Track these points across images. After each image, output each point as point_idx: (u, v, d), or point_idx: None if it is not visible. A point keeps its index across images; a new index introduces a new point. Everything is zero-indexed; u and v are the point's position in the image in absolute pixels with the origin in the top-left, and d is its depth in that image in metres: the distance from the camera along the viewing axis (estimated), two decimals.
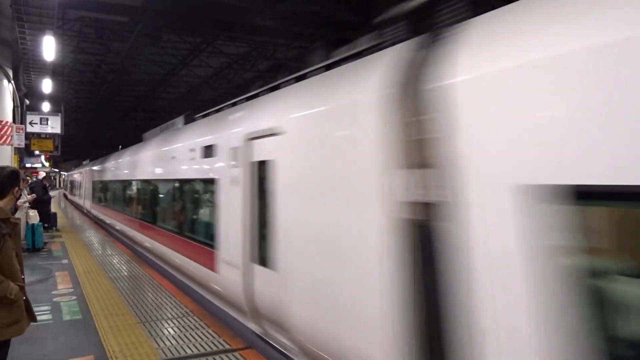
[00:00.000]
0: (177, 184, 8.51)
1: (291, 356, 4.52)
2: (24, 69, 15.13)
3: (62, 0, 10.15)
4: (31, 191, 13.50)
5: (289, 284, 4.21)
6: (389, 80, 3.17)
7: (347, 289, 3.40)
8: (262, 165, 4.90)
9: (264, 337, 4.93)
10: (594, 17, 2.03)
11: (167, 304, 6.85)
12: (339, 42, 14.95)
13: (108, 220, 16.41)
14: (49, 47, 11.34)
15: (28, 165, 26.74)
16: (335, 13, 12.11)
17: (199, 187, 7.32)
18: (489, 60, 2.49)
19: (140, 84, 22.96)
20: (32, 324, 3.80)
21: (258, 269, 4.89)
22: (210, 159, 6.34)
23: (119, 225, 14.14)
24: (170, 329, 5.75)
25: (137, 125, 34.88)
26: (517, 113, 2.28)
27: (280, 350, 4.69)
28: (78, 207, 28.25)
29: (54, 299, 7.14)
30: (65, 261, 10.39)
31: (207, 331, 5.66)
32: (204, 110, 8.33)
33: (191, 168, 7.30)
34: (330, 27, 12.95)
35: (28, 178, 15.59)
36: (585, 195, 1.99)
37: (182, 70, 19.75)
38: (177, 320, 6.09)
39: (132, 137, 24.92)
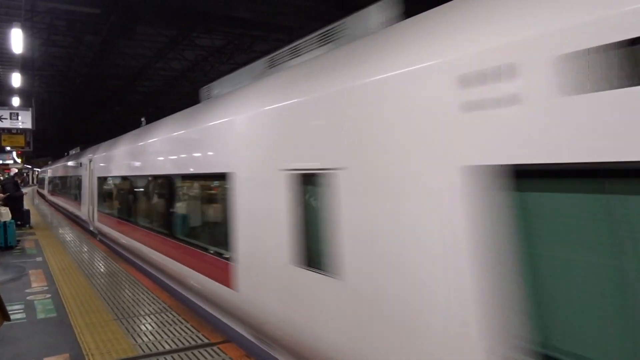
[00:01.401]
0: None
1: (268, 349, 4.53)
2: None
3: None
4: (2, 188, 13.17)
5: None
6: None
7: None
8: None
9: None
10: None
11: (144, 300, 6.77)
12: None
13: None
14: (17, 40, 11.03)
15: None
16: (314, 5, 12.06)
17: None
18: None
19: (115, 77, 22.53)
20: (5, 323, 3.72)
21: None
22: None
23: None
24: (148, 325, 5.68)
25: (114, 120, 34.32)
26: None
27: (258, 344, 4.69)
28: None
29: (28, 298, 6.98)
30: (39, 259, 10.17)
31: (185, 326, 5.62)
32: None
33: None
34: (308, 19, 12.90)
35: None
36: None
37: (158, 63, 19.45)
38: (155, 316, 6.02)
39: (108, 131, 24.47)
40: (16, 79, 15.81)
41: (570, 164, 1.98)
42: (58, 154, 38.97)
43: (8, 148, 22.35)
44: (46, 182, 33.82)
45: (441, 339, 2.54)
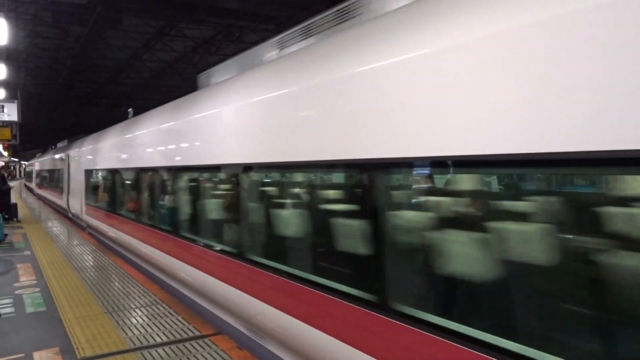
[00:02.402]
0: None
1: (259, 340, 4.54)
2: None
3: None
4: None
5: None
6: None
7: None
8: None
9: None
10: None
11: (134, 293, 6.74)
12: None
13: None
14: (0, 31, 10.82)
15: None
16: None
17: None
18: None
19: (102, 69, 22.24)
20: None
21: None
22: None
23: None
24: (138, 318, 5.67)
25: (100, 112, 33.94)
26: None
27: (250, 335, 4.69)
28: None
29: (17, 292, 6.93)
30: (27, 253, 10.08)
31: (176, 318, 5.61)
32: None
33: None
34: (296, 9, 12.81)
35: None
36: None
37: (145, 55, 19.23)
38: (146, 309, 6.01)
39: (95, 124, 24.20)
40: (1, 71, 15.53)
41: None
42: (46, 147, 38.37)
43: None
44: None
45: None
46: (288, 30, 4.99)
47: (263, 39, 16.79)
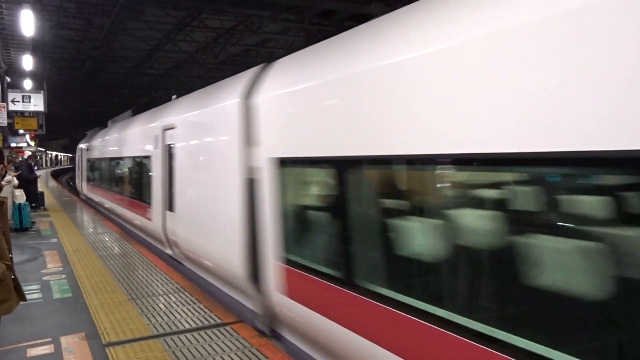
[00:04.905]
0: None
1: (278, 330, 4.58)
2: (4, 45, 14.75)
3: None
4: (16, 170, 13.34)
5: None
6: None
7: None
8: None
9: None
10: None
11: (157, 281, 6.87)
12: (325, 13, 14.66)
13: None
14: (27, 22, 11.03)
15: (13, 144, 26.31)
16: None
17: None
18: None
19: (125, 60, 22.52)
20: (21, 303, 3.79)
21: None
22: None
23: None
24: (161, 305, 5.77)
25: (123, 103, 34.42)
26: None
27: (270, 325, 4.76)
28: None
29: (44, 278, 7.12)
30: (54, 240, 10.33)
31: (198, 306, 5.70)
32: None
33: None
34: None
35: (13, 158, 15.40)
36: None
37: (167, 46, 19.38)
38: (168, 296, 6.11)
39: (117, 114, 24.52)
40: (27, 62, 15.87)
41: None
42: (71, 137, 39.03)
43: (21, 131, 22.54)
44: None
45: None
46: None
47: (284, 29, 16.76)
